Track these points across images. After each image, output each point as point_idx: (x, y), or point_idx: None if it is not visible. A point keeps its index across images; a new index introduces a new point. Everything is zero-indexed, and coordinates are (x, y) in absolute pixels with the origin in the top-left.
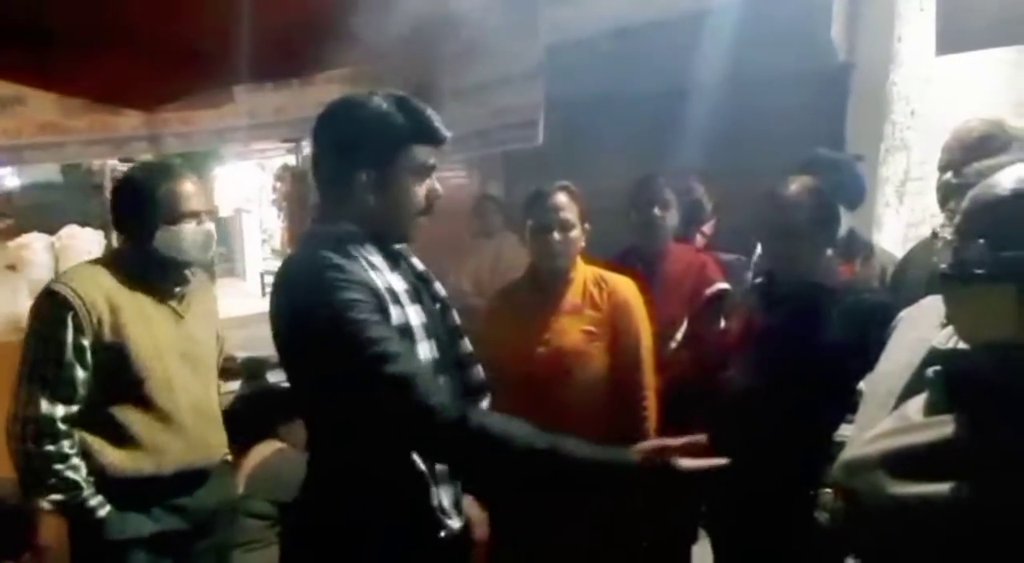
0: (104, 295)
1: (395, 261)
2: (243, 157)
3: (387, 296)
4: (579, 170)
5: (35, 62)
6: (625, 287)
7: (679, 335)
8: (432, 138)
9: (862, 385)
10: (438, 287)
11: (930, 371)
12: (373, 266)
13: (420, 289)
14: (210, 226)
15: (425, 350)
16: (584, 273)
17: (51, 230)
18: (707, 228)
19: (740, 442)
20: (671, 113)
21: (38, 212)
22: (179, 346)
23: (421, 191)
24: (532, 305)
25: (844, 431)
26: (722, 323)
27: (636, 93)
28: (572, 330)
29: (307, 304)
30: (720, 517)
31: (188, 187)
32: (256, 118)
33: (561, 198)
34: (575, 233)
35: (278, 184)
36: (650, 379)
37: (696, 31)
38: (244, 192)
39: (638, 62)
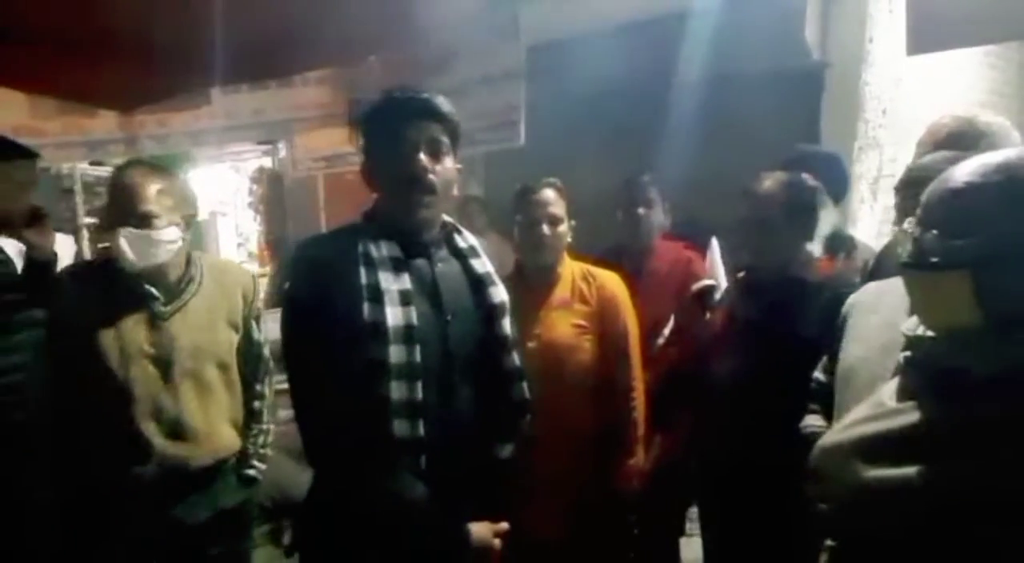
0: (85, 292)
1: (410, 258)
2: (217, 159)
3: (364, 292)
4: (558, 170)
5: (6, 62)
6: (612, 282)
7: (666, 331)
8: (389, 111)
9: (818, 374)
10: (493, 293)
11: (900, 356)
12: (369, 261)
13: (434, 291)
14: (155, 232)
15: (400, 353)
16: (572, 268)
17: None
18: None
19: (726, 434)
20: (648, 113)
21: None
22: (152, 351)
23: (404, 168)
24: (521, 300)
25: (811, 422)
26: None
27: (614, 93)
28: (562, 324)
29: (291, 287)
30: (708, 507)
31: (128, 186)
32: (233, 120)
33: (549, 194)
34: (562, 228)
35: (254, 187)
36: (638, 372)
37: (672, 32)
38: (219, 195)
39: (616, 62)
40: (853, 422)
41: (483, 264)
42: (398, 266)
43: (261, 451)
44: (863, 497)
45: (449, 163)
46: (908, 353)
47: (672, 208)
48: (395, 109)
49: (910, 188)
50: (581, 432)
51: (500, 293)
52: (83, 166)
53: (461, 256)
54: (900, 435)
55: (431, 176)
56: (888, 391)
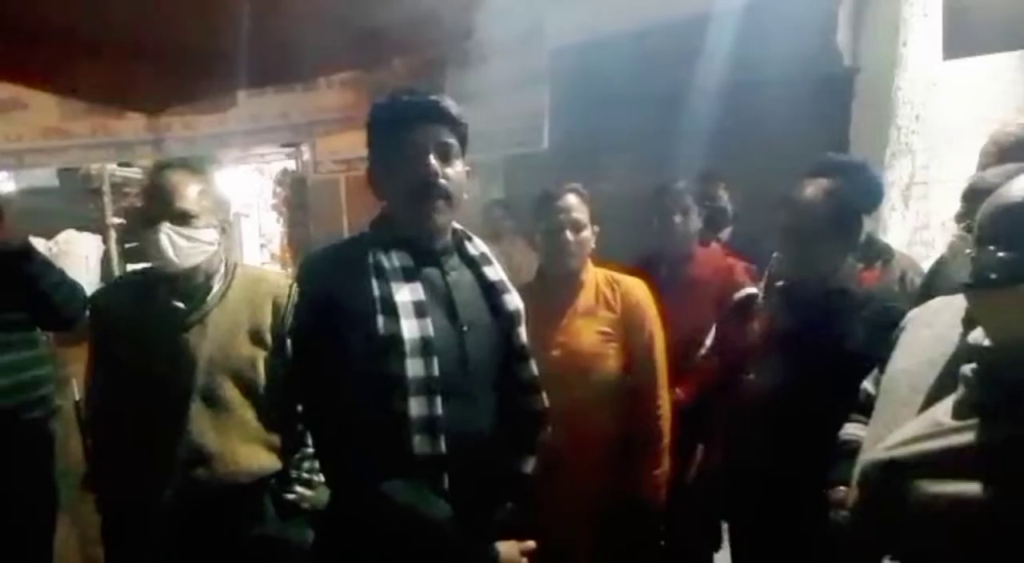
0: (117, 304)
1: (422, 268)
2: (241, 161)
3: (378, 305)
4: (580, 174)
5: (36, 63)
6: (637, 288)
7: (708, 340)
8: (394, 114)
9: (867, 385)
10: (507, 301)
11: (966, 368)
12: (381, 272)
13: (448, 301)
14: (196, 231)
15: (417, 367)
16: (596, 275)
17: (48, 235)
18: (724, 234)
19: (760, 444)
20: (675, 117)
21: (34, 217)
22: (166, 365)
23: (413, 173)
24: (545, 307)
25: (851, 430)
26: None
27: (639, 97)
28: (587, 331)
29: (300, 303)
30: (740, 521)
31: (169, 183)
32: (259, 122)
33: (571, 199)
34: (586, 234)
35: (278, 189)
36: (664, 379)
37: (701, 35)
38: (243, 196)
39: (642, 66)
40: (907, 440)
41: (496, 271)
42: (410, 276)
43: (306, 476)
44: (927, 513)
45: (459, 166)
46: (974, 365)
47: (734, 218)
48: (402, 112)
49: (976, 199)
50: (606, 440)
51: (515, 301)
52: (111, 167)
53: (473, 264)
54: (963, 452)
55: (442, 181)
56: (943, 409)
